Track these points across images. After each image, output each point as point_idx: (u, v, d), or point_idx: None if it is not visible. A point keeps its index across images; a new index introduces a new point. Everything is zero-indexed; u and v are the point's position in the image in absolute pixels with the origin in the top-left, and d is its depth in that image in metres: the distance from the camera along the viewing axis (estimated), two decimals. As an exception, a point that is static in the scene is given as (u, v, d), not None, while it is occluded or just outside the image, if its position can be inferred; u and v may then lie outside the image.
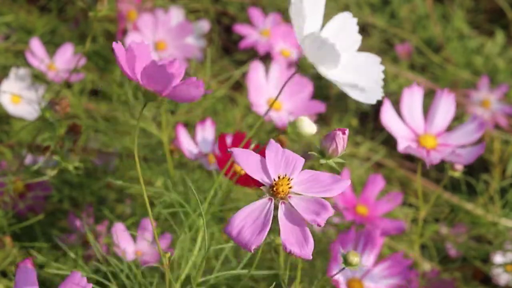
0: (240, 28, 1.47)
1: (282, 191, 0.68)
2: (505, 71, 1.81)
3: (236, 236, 0.66)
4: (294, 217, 0.68)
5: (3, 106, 1.22)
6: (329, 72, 0.80)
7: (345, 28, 0.85)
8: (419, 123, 1.01)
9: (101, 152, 1.22)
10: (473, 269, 1.29)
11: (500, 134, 1.57)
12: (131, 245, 1.08)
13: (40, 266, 1.14)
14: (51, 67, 1.27)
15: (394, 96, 1.69)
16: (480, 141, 1.00)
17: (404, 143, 0.97)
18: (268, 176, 0.70)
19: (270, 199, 0.68)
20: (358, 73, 0.84)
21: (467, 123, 1.01)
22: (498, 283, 1.28)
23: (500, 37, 1.88)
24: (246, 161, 0.70)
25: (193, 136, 1.13)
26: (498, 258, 1.28)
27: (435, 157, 0.96)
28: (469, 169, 1.48)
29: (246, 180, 0.96)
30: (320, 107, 1.23)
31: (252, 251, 0.66)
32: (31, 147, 1.12)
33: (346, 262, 0.80)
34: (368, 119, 1.68)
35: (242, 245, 0.66)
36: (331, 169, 0.97)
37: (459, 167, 1.05)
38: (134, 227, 1.14)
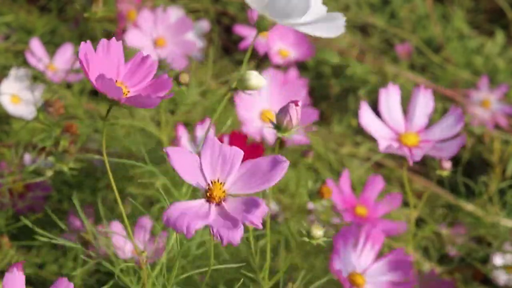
0: (240, 29, 1.47)
1: (217, 196, 0.67)
2: (505, 71, 1.81)
3: (174, 222, 0.64)
4: (228, 217, 0.67)
5: (3, 106, 1.22)
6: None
7: None
8: (399, 122, 1.01)
9: (101, 152, 1.22)
10: (473, 269, 1.29)
11: (500, 134, 1.57)
12: (128, 244, 1.08)
13: (39, 266, 1.15)
14: (51, 67, 1.27)
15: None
16: (459, 134, 1.00)
17: (384, 143, 0.97)
18: (204, 179, 0.69)
19: (206, 201, 0.68)
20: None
21: (446, 117, 1.01)
22: (497, 284, 1.28)
23: (500, 37, 1.88)
24: (180, 162, 0.68)
25: (192, 135, 1.13)
26: (497, 259, 1.28)
27: (417, 154, 0.96)
28: (469, 169, 1.48)
29: None
30: (314, 116, 1.20)
31: (192, 235, 0.64)
32: (28, 147, 1.12)
33: (310, 235, 0.80)
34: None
35: (180, 229, 0.64)
36: (331, 170, 0.97)
37: (447, 165, 1.05)
38: (133, 226, 1.14)
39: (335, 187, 1.15)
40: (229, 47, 1.77)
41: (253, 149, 1.05)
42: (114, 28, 1.50)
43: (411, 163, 0.95)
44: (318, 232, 0.80)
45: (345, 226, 1.08)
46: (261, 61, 1.51)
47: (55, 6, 1.58)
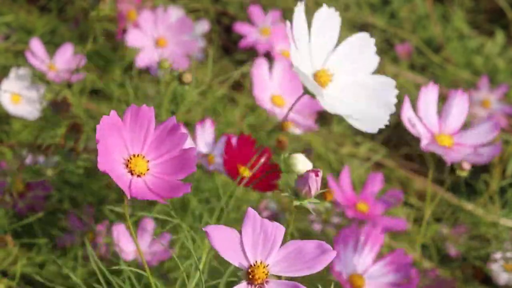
0: (240, 27, 1.47)
1: (259, 278, 0.66)
2: (505, 71, 1.81)
3: None
4: None
5: (3, 106, 1.22)
6: (324, 100, 0.80)
7: (361, 49, 0.85)
8: (434, 122, 1.01)
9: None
10: (473, 269, 1.29)
11: (500, 134, 1.58)
12: (131, 245, 1.08)
13: (40, 266, 1.15)
14: (51, 67, 1.27)
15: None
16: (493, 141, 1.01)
17: (425, 140, 0.97)
18: (246, 259, 0.67)
19: (248, 283, 0.67)
20: (367, 97, 0.84)
21: (481, 123, 1.02)
22: (498, 283, 1.28)
23: (500, 37, 1.88)
24: (220, 241, 0.66)
25: (193, 136, 1.13)
26: (498, 258, 1.28)
27: (455, 156, 0.96)
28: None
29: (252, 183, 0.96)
30: (318, 105, 1.24)
31: None
32: (32, 147, 1.12)
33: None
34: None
35: None
36: (331, 170, 0.96)
37: (467, 166, 1.06)
38: (134, 226, 1.14)
39: (335, 184, 1.15)
40: (229, 47, 1.77)
41: (261, 153, 1.05)
42: (114, 28, 1.50)
43: (449, 163, 0.96)
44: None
45: (345, 226, 1.08)
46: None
47: (55, 6, 1.58)
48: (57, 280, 1.11)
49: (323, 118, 1.66)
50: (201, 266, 0.84)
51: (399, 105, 1.03)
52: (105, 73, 1.51)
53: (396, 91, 0.84)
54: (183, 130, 0.69)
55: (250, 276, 0.66)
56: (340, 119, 1.66)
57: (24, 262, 1.11)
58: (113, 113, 0.67)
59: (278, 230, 0.68)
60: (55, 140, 1.16)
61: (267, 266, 0.67)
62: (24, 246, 1.16)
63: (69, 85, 1.31)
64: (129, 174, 0.68)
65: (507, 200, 1.23)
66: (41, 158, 1.16)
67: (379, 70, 1.77)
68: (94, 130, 1.24)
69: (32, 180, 1.13)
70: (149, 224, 1.09)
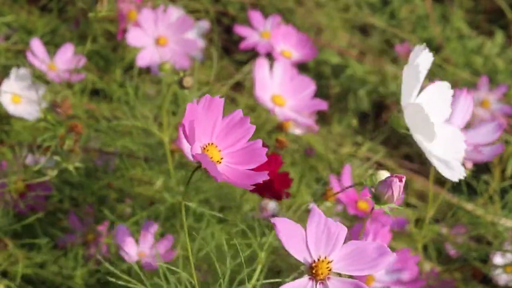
0: (240, 29, 1.47)
1: (322, 274, 0.67)
2: (505, 71, 1.82)
3: None
4: None
5: (4, 106, 1.22)
6: (423, 142, 0.82)
7: (439, 97, 0.87)
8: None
9: (102, 152, 1.23)
10: (473, 269, 1.29)
11: (500, 134, 1.58)
12: (134, 247, 1.08)
13: (40, 266, 1.15)
14: (51, 67, 1.27)
15: (394, 97, 1.69)
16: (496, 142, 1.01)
17: None
18: (309, 254, 0.68)
19: (310, 278, 0.68)
20: (444, 145, 0.85)
21: (485, 124, 1.02)
22: (497, 283, 1.28)
23: (499, 37, 1.88)
24: (286, 234, 0.67)
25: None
26: (497, 259, 1.28)
27: None
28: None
29: (264, 191, 0.96)
30: (322, 105, 1.25)
31: None
32: (32, 147, 1.13)
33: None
34: (368, 119, 1.68)
35: None
36: (331, 170, 0.96)
37: (469, 165, 1.06)
38: (134, 227, 1.14)
39: (337, 182, 1.16)
40: (229, 47, 1.77)
41: (271, 160, 1.05)
42: (115, 28, 1.50)
43: None
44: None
45: (351, 225, 1.09)
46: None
47: (55, 7, 1.58)
48: (57, 280, 1.11)
49: (323, 118, 1.66)
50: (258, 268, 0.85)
51: (398, 106, 1.03)
52: (105, 73, 1.51)
53: (464, 144, 0.87)
54: (250, 123, 0.71)
55: (313, 271, 0.67)
56: (340, 119, 1.66)
57: (25, 262, 1.11)
58: (196, 101, 0.69)
59: (341, 229, 0.69)
60: (55, 140, 1.16)
61: (330, 262, 0.68)
62: (25, 246, 1.16)
63: (69, 85, 1.31)
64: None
65: (507, 200, 1.24)
66: (41, 158, 1.16)
67: (379, 70, 1.77)
68: (95, 130, 1.25)
69: (33, 181, 1.13)
70: (152, 226, 1.09)
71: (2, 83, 1.22)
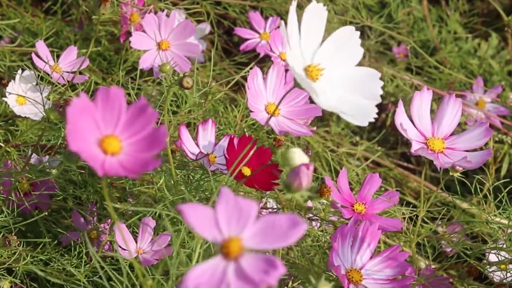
0: (240, 32, 1.48)
1: (233, 251, 0.66)
2: (500, 73, 1.83)
3: None
4: (246, 276, 0.65)
5: (9, 107, 1.23)
6: (316, 95, 0.79)
7: (347, 42, 0.85)
8: (427, 126, 1.02)
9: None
10: (468, 266, 1.30)
11: (495, 134, 1.60)
12: (133, 243, 1.10)
13: (45, 263, 1.17)
14: (55, 68, 1.27)
15: (391, 97, 1.71)
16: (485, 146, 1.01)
17: (417, 145, 0.98)
18: (220, 232, 0.66)
19: (223, 258, 0.66)
20: (354, 89, 0.83)
21: (473, 128, 1.02)
22: (492, 281, 1.29)
23: (494, 39, 1.90)
24: (195, 218, 0.66)
25: (194, 136, 1.15)
26: (492, 256, 1.29)
27: (446, 161, 0.98)
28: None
29: (253, 182, 0.98)
30: (317, 111, 1.22)
31: None
32: (36, 147, 1.14)
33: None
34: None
35: None
36: (329, 170, 0.97)
37: (460, 168, 1.06)
38: (137, 225, 1.16)
39: (333, 184, 1.16)
40: (230, 49, 1.79)
41: (260, 153, 1.07)
42: (118, 30, 1.52)
43: (439, 168, 0.97)
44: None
45: (343, 223, 1.09)
46: (263, 61, 1.53)
47: (59, 9, 1.59)
48: (61, 277, 1.12)
49: (321, 118, 1.68)
50: (196, 255, 0.85)
51: (395, 107, 1.05)
52: (108, 74, 1.53)
53: (381, 82, 0.84)
54: (152, 109, 0.71)
55: (225, 250, 0.66)
56: (338, 119, 1.68)
57: (29, 260, 1.12)
58: (83, 95, 0.69)
59: (252, 206, 0.68)
60: (59, 140, 1.18)
61: (241, 240, 0.66)
62: (29, 244, 1.17)
63: (73, 86, 1.33)
64: (103, 153, 0.70)
65: (502, 199, 1.25)
66: (45, 158, 1.17)
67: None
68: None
69: (37, 180, 1.14)
70: (150, 223, 1.11)
71: (8, 84, 1.23)
